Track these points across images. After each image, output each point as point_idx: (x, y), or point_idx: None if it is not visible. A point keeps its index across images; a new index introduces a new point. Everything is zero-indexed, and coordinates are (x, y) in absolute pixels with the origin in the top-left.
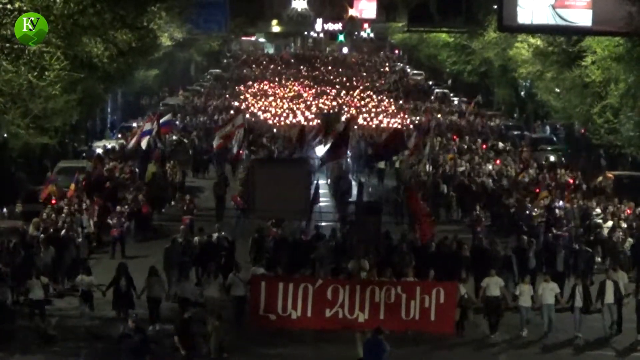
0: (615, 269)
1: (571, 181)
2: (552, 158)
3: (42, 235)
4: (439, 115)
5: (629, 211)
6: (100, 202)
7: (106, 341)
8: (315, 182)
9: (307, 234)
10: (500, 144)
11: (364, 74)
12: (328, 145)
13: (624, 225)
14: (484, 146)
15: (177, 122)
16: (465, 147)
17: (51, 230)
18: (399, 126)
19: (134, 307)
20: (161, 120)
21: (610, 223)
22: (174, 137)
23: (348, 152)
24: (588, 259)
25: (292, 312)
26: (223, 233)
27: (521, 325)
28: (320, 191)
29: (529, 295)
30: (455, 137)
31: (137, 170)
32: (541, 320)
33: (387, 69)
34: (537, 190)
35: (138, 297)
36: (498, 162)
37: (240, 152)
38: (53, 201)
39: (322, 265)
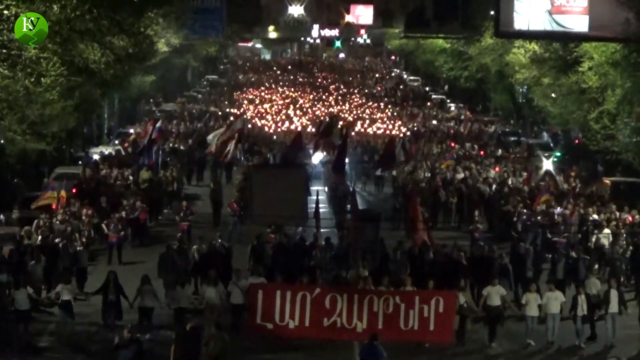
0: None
1: (569, 188)
2: (545, 163)
3: (39, 242)
4: (434, 122)
5: (630, 219)
6: (88, 208)
7: (95, 353)
8: (317, 189)
9: (318, 239)
10: (499, 151)
11: (360, 79)
12: (324, 153)
13: (623, 232)
14: (482, 152)
15: (173, 129)
16: (462, 153)
17: (44, 237)
18: (397, 132)
19: (122, 318)
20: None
21: (607, 231)
22: (170, 144)
23: (346, 159)
24: (587, 267)
25: (289, 321)
26: (220, 240)
27: (527, 334)
28: (319, 197)
29: (535, 304)
30: (453, 143)
31: (131, 176)
32: (544, 330)
33: (386, 75)
34: (538, 197)
35: (131, 307)
36: (497, 169)
37: (228, 155)
38: (54, 206)
39: (323, 273)
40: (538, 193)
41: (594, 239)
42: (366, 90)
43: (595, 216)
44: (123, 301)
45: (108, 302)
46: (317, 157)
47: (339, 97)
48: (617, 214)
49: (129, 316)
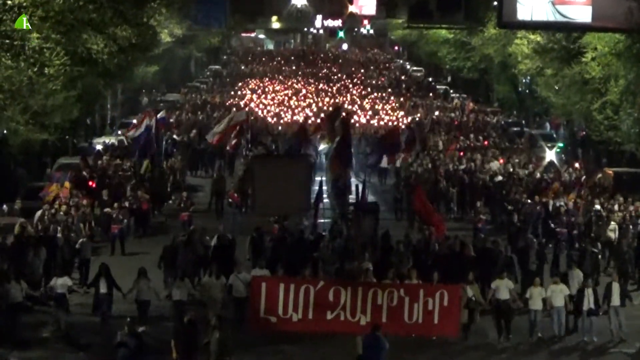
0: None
1: (575, 180)
2: (549, 154)
3: (40, 233)
4: (436, 113)
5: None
6: (89, 199)
7: (94, 346)
8: (320, 179)
9: (316, 229)
10: (502, 142)
11: (362, 70)
12: (328, 145)
13: (629, 224)
14: (486, 143)
15: (172, 120)
16: (467, 144)
17: (44, 228)
18: (400, 124)
19: (111, 310)
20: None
21: (614, 224)
22: (174, 136)
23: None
24: (594, 260)
25: (293, 314)
26: (227, 233)
27: (531, 329)
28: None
29: (539, 298)
30: (458, 134)
31: (132, 168)
32: (550, 324)
33: (390, 66)
34: (545, 188)
35: (124, 297)
36: (502, 160)
37: (230, 144)
38: (61, 194)
39: (326, 265)
40: (544, 185)
41: (599, 232)
42: (373, 81)
43: (598, 207)
44: (116, 293)
45: (99, 294)
46: (320, 147)
47: (342, 88)
48: (625, 205)
49: (124, 307)
